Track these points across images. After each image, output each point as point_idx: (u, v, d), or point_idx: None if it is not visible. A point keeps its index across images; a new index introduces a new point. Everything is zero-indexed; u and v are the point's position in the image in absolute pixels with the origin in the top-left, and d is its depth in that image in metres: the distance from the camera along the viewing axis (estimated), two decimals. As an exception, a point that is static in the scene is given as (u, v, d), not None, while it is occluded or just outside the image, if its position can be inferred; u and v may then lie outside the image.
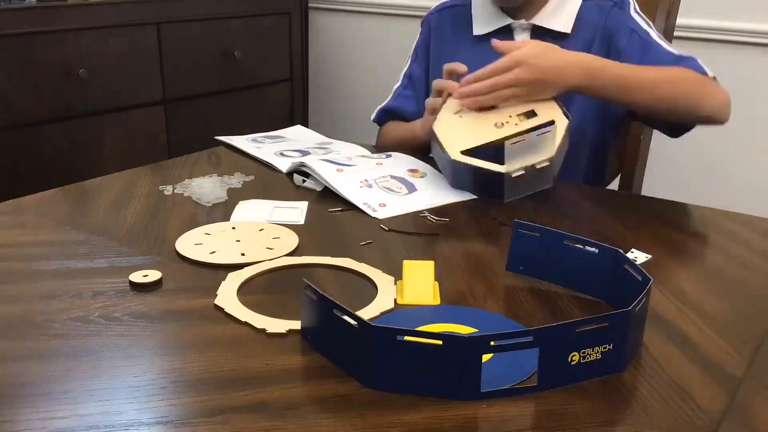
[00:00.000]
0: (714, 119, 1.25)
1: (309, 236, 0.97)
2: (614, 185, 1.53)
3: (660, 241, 0.99)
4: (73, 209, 1.06)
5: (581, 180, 1.36)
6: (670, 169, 2.19)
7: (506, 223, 1.02)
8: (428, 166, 1.22)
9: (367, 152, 1.32)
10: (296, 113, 2.75)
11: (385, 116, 1.47)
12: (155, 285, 0.83)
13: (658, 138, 1.43)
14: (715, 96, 1.23)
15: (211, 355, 0.69)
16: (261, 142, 1.39)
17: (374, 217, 1.04)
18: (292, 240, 0.95)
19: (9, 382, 0.65)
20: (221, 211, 1.05)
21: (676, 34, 1.51)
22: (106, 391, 0.63)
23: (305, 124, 2.58)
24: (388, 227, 0.99)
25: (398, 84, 1.47)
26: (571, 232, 0.98)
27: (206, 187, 1.10)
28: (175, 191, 1.12)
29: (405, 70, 1.47)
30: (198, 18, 2.40)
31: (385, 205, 1.08)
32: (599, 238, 0.97)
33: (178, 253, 0.91)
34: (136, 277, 0.83)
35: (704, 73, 1.24)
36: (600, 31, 1.30)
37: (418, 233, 0.99)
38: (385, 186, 1.13)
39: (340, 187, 1.11)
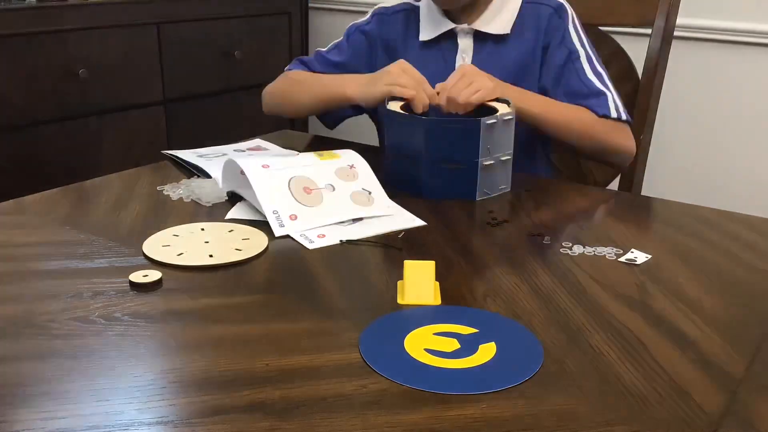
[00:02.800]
0: (614, 165, 1.34)
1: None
2: (614, 185, 1.53)
3: (660, 241, 0.99)
4: (73, 209, 1.06)
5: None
6: (670, 169, 2.19)
7: (507, 219, 1.02)
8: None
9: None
10: (296, 113, 2.74)
11: (302, 67, 1.45)
12: (155, 285, 0.83)
13: (658, 138, 1.43)
14: (618, 144, 1.28)
15: (211, 355, 0.69)
16: (209, 157, 1.26)
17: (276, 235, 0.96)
18: (261, 241, 0.94)
19: (9, 382, 0.65)
20: (221, 211, 1.05)
21: (676, 34, 1.51)
22: (106, 391, 0.63)
23: (305, 125, 2.58)
24: (347, 239, 0.96)
25: (324, 48, 1.46)
26: (571, 233, 0.99)
27: (206, 187, 1.10)
28: (176, 191, 1.12)
29: (336, 41, 1.45)
30: (198, 18, 2.40)
31: (296, 217, 0.98)
32: (599, 237, 0.97)
33: (145, 255, 0.90)
34: (136, 277, 0.83)
35: (610, 117, 1.27)
36: (540, 36, 1.32)
37: (382, 243, 0.99)
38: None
39: (257, 185, 0.99)
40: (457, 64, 1.34)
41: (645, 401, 0.63)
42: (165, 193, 1.12)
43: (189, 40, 2.39)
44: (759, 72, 2.08)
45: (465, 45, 1.34)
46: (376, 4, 1.45)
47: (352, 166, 1.09)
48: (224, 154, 1.27)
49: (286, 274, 0.87)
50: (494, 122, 1.08)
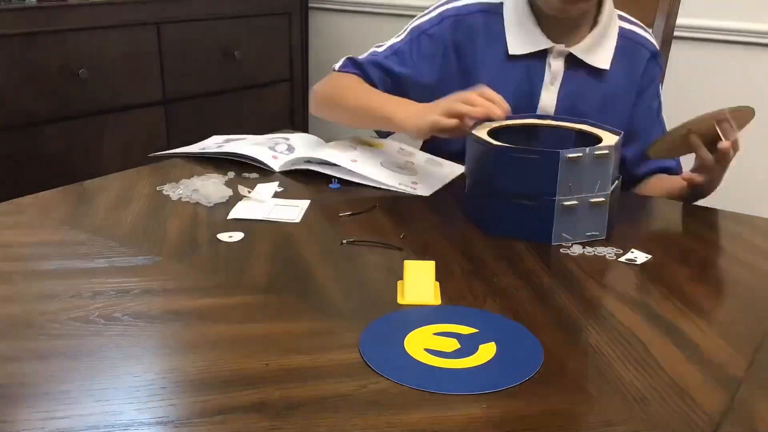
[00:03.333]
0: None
1: (300, 234, 0.98)
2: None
3: (660, 241, 0.99)
4: (73, 209, 1.06)
5: None
6: (670, 169, 2.19)
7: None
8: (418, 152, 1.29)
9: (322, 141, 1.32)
10: (296, 113, 2.75)
11: (354, 69, 1.30)
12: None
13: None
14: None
15: (211, 355, 0.69)
16: (218, 146, 1.30)
17: (417, 195, 1.12)
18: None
19: (9, 382, 0.65)
20: (222, 210, 1.05)
21: (676, 34, 1.51)
22: (106, 391, 0.63)
23: (305, 124, 2.58)
24: (347, 240, 0.96)
25: (381, 49, 1.31)
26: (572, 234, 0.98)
27: (210, 187, 1.10)
28: (175, 191, 1.11)
29: (395, 44, 1.31)
30: (198, 18, 2.40)
31: (416, 183, 1.15)
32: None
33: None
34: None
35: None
36: (635, 78, 1.27)
37: (382, 243, 0.99)
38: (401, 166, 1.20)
39: (371, 174, 1.15)
40: (543, 87, 1.24)
41: (645, 401, 0.63)
42: (165, 193, 1.12)
43: (189, 40, 2.39)
44: (759, 72, 2.08)
45: (557, 68, 1.23)
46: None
47: (401, 149, 1.27)
48: (219, 145, 1.32)
49: (286, 274, 0.87)
50: (578, 156, 0.93)
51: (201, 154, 1.28)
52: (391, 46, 1.30)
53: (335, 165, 1.16)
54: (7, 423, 0.59)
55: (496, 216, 0.98)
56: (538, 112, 1.23)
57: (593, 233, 0.97)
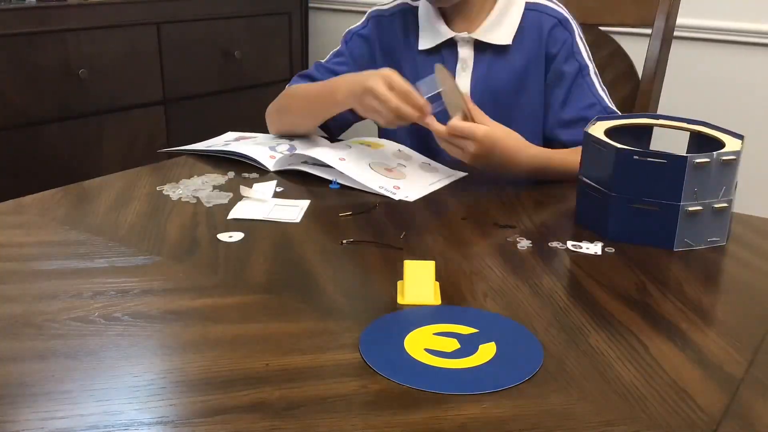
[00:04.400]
0: None
1: (300, 234, 0.98)
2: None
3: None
4: (73, 209, 1.06)
5: None
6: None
7: (511, 225, 1.02)
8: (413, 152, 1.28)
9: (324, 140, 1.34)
10: (296, 113, 2.75)
11: (302, 80, 1.39)
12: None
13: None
14: None
15: (211, 355, 0.69)
16: (223, 144, 1.32)
17: (397, 200, 1.10)
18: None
19: (9, 382, 0.65)
20: (222, 210, 1.05)
21: (676, 34, 1.51)
22: (106, 391, 0.63)
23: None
24: (347, 240, 0.96)
25: (325, 59, 1.40)
26: (571, 233, 0.99)
27: (207, 188, 1.10)
28: (176, 191, 1.11)
29: (336, 50, 1.40)
30: (198, 18, 2.40)
31: (399, 187, 1.12)
32: (600, 237, 0.97)
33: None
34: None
35: None
36: (542, 45, 1.30)
37: (382, 243, 0.99)
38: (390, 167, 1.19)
39: (353, 175, 1.13)
40: (457, 74, 1.31)
41: (645, 401, 0.63)
42: (165, 193, 1.12)
43: (189, 40, 2.39)
44: (759, 72, 2.08)
45: (465, 54, 1.31)
46: (376, 5, 1.44)
47: (399, 150, 1.27)
48: (227, 143, 1.33)
49: (286, 274, 0.87)
50: (707, 162, 0.91)
51: (206, 152, 1.28)
52: (333, 52, 1.41)
53: (324, 164, 1.16)
54: (7, 423, 0.59)
55: (615, 220, 0.96)
56: None
57: (715, 239, 0.95)
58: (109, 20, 2.18)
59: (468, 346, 0.71)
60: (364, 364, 0.68)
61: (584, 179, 1.01)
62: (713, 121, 1.07)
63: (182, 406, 0.62)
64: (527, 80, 1.30)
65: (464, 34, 1.31)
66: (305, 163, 1.19)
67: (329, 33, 2.87)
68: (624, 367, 0.68)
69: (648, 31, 1.49)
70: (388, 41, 1.38)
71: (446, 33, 1.31)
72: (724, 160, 0.92)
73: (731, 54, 2.10)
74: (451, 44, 1.32)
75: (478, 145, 1.10)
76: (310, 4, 2.84)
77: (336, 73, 1.35)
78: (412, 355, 0.70)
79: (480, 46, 1.31)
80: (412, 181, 1.16)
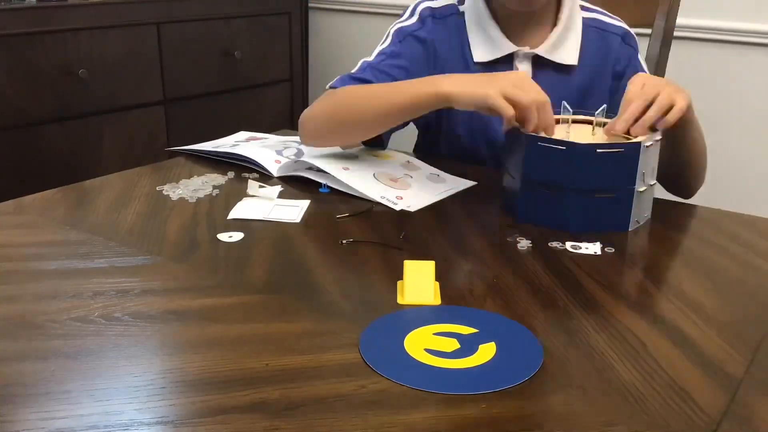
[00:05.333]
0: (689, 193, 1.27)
1: (299, 234, 0.98)
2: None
3: (660, 241, 0.99)
4: (73, 209, 1.06)
5: None
6: (670, 169, 2.19)
7: (511, 224, 1.02)
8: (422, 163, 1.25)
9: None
10: (296, 113, 2.73)
11: (352, 83, 1.23)
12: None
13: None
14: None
15: (211, 355, 0.69)
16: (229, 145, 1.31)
17: (398, 210, 1.07)
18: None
19: (9, 382, 0.65)
20: (222, 210, 1.05)
21: (676, 34, 1.51)
22: (106, 391, 0.63)
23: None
24: (347, 240, 0.96)
25: (372, 58, 1.27)
26: (572, 235, 0.99)
27: (207, 188, 1.10)
28: (176, 191, 1.11)
29: (384, 49, 1.26)
30: (198, 18, 2.41)
31: (401, 198, 1.10)
32: (599, 237, 0.97)
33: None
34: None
35: None
36: (608, 64, 1.26)
37: (382, 243, 0.99)
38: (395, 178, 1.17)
39: (354, 184, 1.12)
40: None
41: (645, 401, 0.63)
42: (165, 193, 1.12)
43: (189, 40, 2.39)
44: (759, 72, 2.08)
45: (524, 70, 1.22)
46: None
47: (408, 162, 1.24)
48: (236, 143, 1.32)
49: (286, 274, 0.87)
50: (652, 145, 0.99)
51: (212, 153, 1.28)
52: (381, 52, 1.27)
53: (327, 173, 1.14)
54: (7, 423, 0.59)
55: (576, 213, 0.99)
56: None
57: (647, 215, 1.04)
58: (109, 20, 2.18)
59: (468, 346, 0.71)
60: (364, 364, 0.68)
61: (531, 178, 1.01)
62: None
63: (182, 406, 0.62)
64: (589, 97, 1.25)
65: (525, 49, 1.23)
66: (309, 169, 1.19)
67: (329, 33, 2.87)
68: (624, 367, 0.68)
69: (648, 31, 1.49)
70: (441, 46, 1.26)
71: (508, 47, 1.23)
72: (657, 140, 1.01)
73: (731, 54, 2.10)
74: (507, 60, 1.24)
75: (653, 82, 1.03)
76: (310, 4, 2.84)
77: (393, 76, 1.22)
78: (412, 355, 0.70)
79: (540, 62, 1.24)
80: (417, 191, 1.13)
